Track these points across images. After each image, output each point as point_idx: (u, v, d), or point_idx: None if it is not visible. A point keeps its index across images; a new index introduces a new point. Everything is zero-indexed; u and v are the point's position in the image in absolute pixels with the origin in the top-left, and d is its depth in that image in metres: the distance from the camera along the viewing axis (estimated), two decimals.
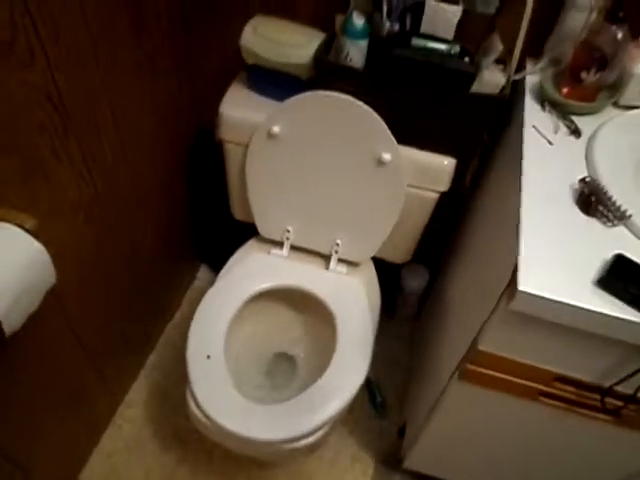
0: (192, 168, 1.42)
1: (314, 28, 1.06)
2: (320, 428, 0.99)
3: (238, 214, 1.30)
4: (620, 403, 0.75)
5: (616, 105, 0.91)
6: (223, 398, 0.99)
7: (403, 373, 1.50)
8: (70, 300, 1.00)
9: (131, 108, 1.06)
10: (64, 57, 0.83)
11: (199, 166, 1.43)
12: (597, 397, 0.76)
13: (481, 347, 0.78)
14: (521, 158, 0.81)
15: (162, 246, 1.39)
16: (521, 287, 0.64)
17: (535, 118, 0.89)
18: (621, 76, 0.88)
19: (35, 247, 0.71)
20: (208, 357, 1.04)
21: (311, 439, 0.99)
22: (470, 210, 1.21)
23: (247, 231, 1.33)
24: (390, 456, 1.32)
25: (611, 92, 0.91)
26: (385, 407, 1.42)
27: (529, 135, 0.85)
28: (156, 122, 1.17)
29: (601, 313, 0.63)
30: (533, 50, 0.99)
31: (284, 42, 1.03)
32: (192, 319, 1.10)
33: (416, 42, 0.91)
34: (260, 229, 1.25)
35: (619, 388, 0.72)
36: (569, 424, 0.86)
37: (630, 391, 0.72)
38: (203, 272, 1.69)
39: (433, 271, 1.49)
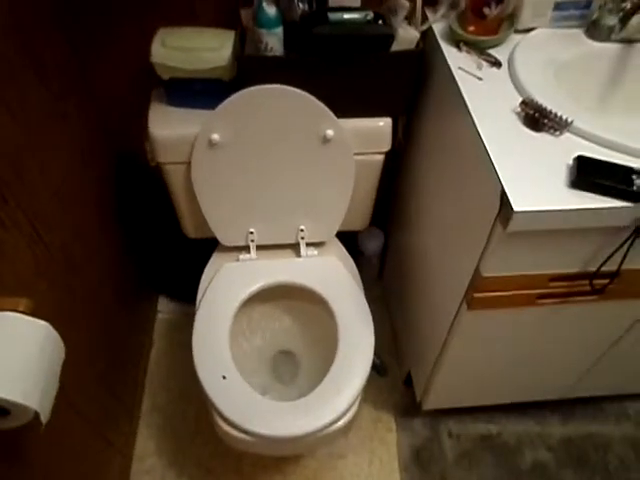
0: (125, 199, 1.35)
1: (221, 29, 1.04)
2: (351, 405, 1.03)
3: (192, 232, 1.27)
4: (606, 281, 0.86)
5: (517, 31, 1.01)
6: (255, 409, 0.99)
7: (387, 330, 1.58)
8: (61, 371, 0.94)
9: (54, 154, 0.99)
10: None
11: (131, 195, 1.37)
12: (586, 282, 0.87)
13: (485, 274, 0.85)
14: (462, 97, 0.88)
15: (120, 289, 1.32)
16: (517, 208, 0.71)
17: (457, 60, 0.96)
18: (516, 4, 0.98)
19: (42, 326, 0.66)
20: (224, 377, 1.03)
21: (346, 419, 1.02)
22: (409, 161, 1.28)
23: (198, 248, 1.30)
24: (406, 406, 1.40)
25: (509, 21, 1.01)
26: (384, 365, 1.49)
27: (459, 76, 0.93)
28: (80, 161, 1.10)
29: (584, 209, 0.72)
30: (427, 0, 1.06)
31: (197, 48, 1.01)
32: (192, 350, 1.06)
33: (333, 17, 0.94)
34: (222, 239, 1.23)
35: (604, 268, 0.83)
36: (564, 315, 0.97)
37: (614, 268, 0.83)
38: (163, 303, 1.63)
39: (385, 230, 1.56)
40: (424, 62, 1.06)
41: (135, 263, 1.46)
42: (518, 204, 0.72)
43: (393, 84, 1.04)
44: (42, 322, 0.67)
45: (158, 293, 1.64)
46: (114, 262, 1.30)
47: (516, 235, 0.77)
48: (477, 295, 0.89)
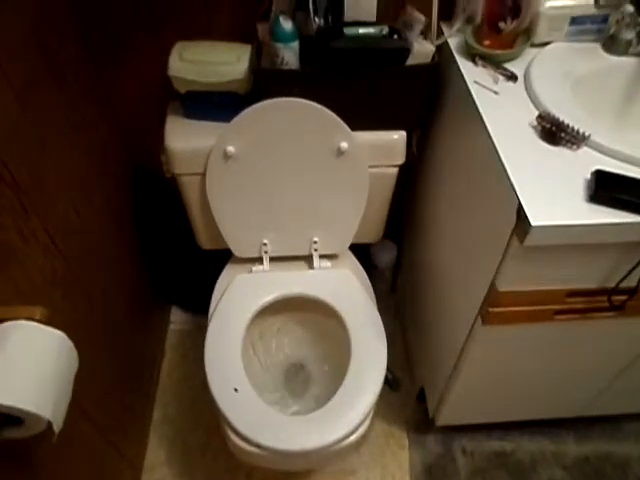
0: (140, 210, 1.37)
1: (237, 42, 1.06)
2: (364, 420, 1.02)
3: (206, 243, 1.28)
4: (624, 297, 0.85)
5: (533, 45, 1.01)
6: (267, 423, 0.98)
7: (399, 344, 1.56)
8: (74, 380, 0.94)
9: (72, 165, 1.00)
10: (3, 134, 0.77)
11: (146, 206, 1.38)
12: (604, 299, 0.86)
13: (501, 289, 0.84)
14: (478, 112, 0.88)
15: (133, 299, 1.33)
16: (534, 223, 0.70)
17: (473, 74, 0.96)
18: (532, 18, 0.98)
19: (57, 336, 0.67)
20: (236, 390, 1.02)
21: (358, 433, 1.01)
22: (423, 175, 1.28)
23: (210, 260, 1.31)
24: (418, 422, 1.38)
25: (525, 35, 1.01)
26: (396, 380, 1.47)
27: (475, 90, 0.93)
28: (96, 172, 1.12)
29: (603, 224, 0.71)
30: (443, 14, 1.06)
31: (214, 62, 1.02)
32: (204, 362, 1.06)
33: (348, 31, 0.94)
34: (235, 251, 1.23)
35: (623, 284, 0.82)
36: (582, 331, 0.95)
37: (633, 284, 0.81)
38: (176, 314, 1.63)
39: (398, 242, 1.55)
40: (439, 76, 1.06)
41: (149, 274, 1.46)
42: (535, 218, 0.71)
43: (408, 98, 1.05)
44: (57, 331, 0.67)
45: (171, 304, 1.64)
46: (129, 272, 1.31)
47: (533, 250, 0.76)
48: (492, 310, 0.88)
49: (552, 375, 1.09)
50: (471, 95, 0.92)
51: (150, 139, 1.24)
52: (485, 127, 0.85)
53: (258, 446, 0.96)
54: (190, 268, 1.50)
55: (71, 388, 0.71)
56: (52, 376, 0.64)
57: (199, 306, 1.53)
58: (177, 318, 1.63)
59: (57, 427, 0.65)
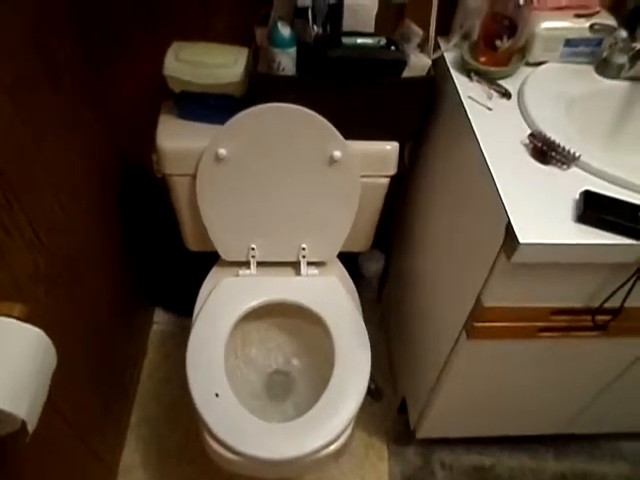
0: (128, 209, 1.35)
1: (234, 45, 1.05)
2: (345, 430, 1.01)
3: (193, 245, 1.27)
4: (608, 317, 0.86)
5: (527, 64, 1.02)
6: (247, 430, 0.97)
7: (383, 354, 1.56)
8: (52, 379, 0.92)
9: (61, 162, 0.99)
10: None
11: (135, 206, 1.37)
12: (588, 318, 0.87)
13: (486, 304, 0.84)
14: (471, 127, 0.89)
15: (117, 298, 1.31)
16: (522, 240, 0.71)
17: (467, 89, 0.97)
18: (528, 38, 0.99)
19: (35, 333, 0.65)
20: (217, 395, 1.01)
21: (338, 443, 1.00)
22: (414, 186, 1.28)
23: (197, 262, 1.29)
24: (399, 433, 1.37)
25: (520, 54, 1.02)
26: (379, 390, 1.47)
27: (469, 105, 0.93)
28: (86, 170, 1.10)
29: (590, 244, 0.72)
30: (440, 29, 1.07)
31: (210, 64, 1.02)
32: (186, 365, 1.05)
33: (346, 41, 0.95)
34: (223, 254, 1.22)
35: (607, 305, 0.83)
36: (565, 349, 0.96)
37: (617, 304, 0.82)
38: (159, 315, 1.62)
39: (386, 252, 1.55)
40: (434, 89, 1.06)
41: (134, 273, 1.45)
42: (524, 236, 0.71)
43: (403, 109, 1.05)
44: (35, 329, 0.66)
45: (155, 304, 1.63)
46: (114, 271, 1.29)
47: (520, 266, 0.76)
48: (477, 324, 0.89)
49: (534, 392, 1.10)
50: (465, 110, 0.93)
51: (143, 138, 1.23)
52: (477, 142, 0.86)
53: (237, 453, 0.95)
54: (176, 269, 1.49)
55: (47, 387, 0.69)
56: (28, 374, 0.63)
57: (183, 307, 1.51)
58: (161, 319, 1.61)
59: (31, 426, 0.63)
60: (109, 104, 1.20)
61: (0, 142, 0.78)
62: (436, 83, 1.06)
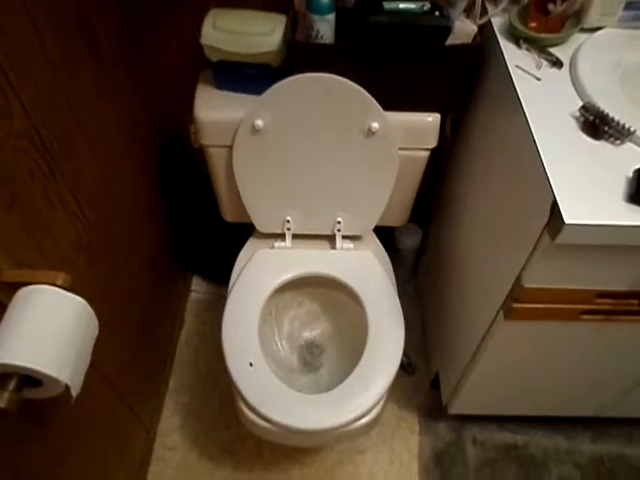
0: (166, 180, 1.37)
1: (272, 12, 1.03)
2: (377, 403, 1.02)
3: (230, 216, 1.27)
4: None
5: (582, 30, 0.95)
6: (279, 399, 0.99)
7: (417, 328, 1.55)
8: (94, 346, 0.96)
9: (101, 133, 1.00)
10: (35, 98, 0.77)
11: (172, 176, 1.38)
12: (635, 302, 0.83)
13: (526, 284, 0.82)
14: (518, 98, 0.84)
15: (156, 267, 1.34)
16: (568, 220, 0.67)
17: (515, 58, 0.92)
18: (584, 1, 0.92)
19: (78, 302, 0.67)
20: (250, 364, 1.03)
21: (370, 416, 1.01)
22: (455, 160, 1.24)
23: (234, 232, 1.30)
24: (431, 408, 1.37)
25: (574, 19, 0.95)
26: (412, 364, 1.47)
27: (516, 75, 0.88)
28: (125, 142, 1.12)
29: None
30: None
31: (248, 32, 0.99)
32: (221, 334, 1.07)
33: (388, 6, 0.90)
34: (258, 226, 1.23)
35: None
36: (608, 332, 0.92)
37: None
38: (197, 283, 1.65)
39: (424, 227, 1.52)
40: (480, 57, 1.01)
41: (173, 242, 1.48)
42: (570, 216, 0.68)
43: (446, 79, 1.01)
44: (78, 298, 0.68)
45: (193, 272, 1.66)
46: (153, 241, 1.32)
47: (564, 247, 0.73)
48: (516, 305, 0.86)
49: (573, 374, 1.07)
50: (512, 80, 0.88)
51: (181, 108, 1.23)
52: (524, 115, 0.81)
53: (269, 421, 0.97)
54: (213, 239, 1.51)
55: (90, 354, 0.72)
56: (71, 342, 0.65)
57: (221, 276, 1.54)
58: (198, 287, 1.65)
59: (75, 391, 0.66)
60: (149, 75, 1.21)
61: (44, 116, 0.79)
62: (482, 51, 1.00)
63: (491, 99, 1.00)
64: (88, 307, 0.69)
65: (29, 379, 0.62)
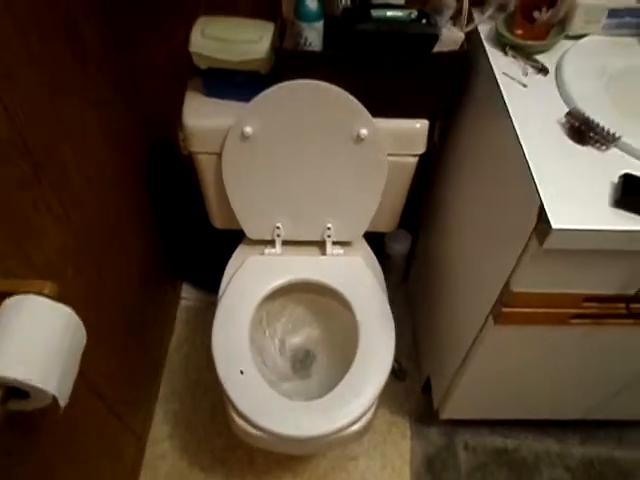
0: (154, 186, 1.36)
1: (261, 20, 1.03)
2: (368, 410, 1.01)
3: (219, 223, 1.27)
4: None
5: (567, 37, 0.97)
6: (271, 407, 0.99)
7: (408, 334, 1.55)
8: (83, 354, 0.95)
9: (87, 139, 0.99)
10: (19, 103, 0.76)
11: (161, 182, 1.37)
12: (622, 305, 0.84)
13: (515, 289, 0.82)
14: (505, 105, 0.85)
15: (144, 274, 1.33)
16: (555, 225, 0.68)
17: (501, 64, 0.93)
18: (568, 9, 0.93)
19: (65, 312, 0.67)
20: (241, 372, 1.02)
21: (362, 423, 1.01)
22: (443, 165, 1.25)
23: (223, 239, 1.30)
24: (423, 413, 1.37)
25: (559, 26, 0.97)
26: (402, 370, 1.47)
27: (503, 82, 0.89)
28: (111, 147, 1.11)
29: (627, 230, 0.69)
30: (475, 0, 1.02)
31: (236, 40, 0.99)
32: (211, 342, 1.06)
33: (375, 14, 0.91)
34: (248, 232, 1.22)
35: None
36: (596, 336, 0.93)
37: None
38: (187, 290, 1.64)
39: (413, 232, 1.53)
40: (467, 64, 1.02)
41: (162, 249, 1.47)
42: (557, 221, 0.68)
43: (434, 86, 1.01)
44: (66, 308, 0.67)
45: (182, 280, 1.65)
46: (141, 248, 1.31)
47: (552, 252, 0.73)
48: (505, 310, 0.87)
49: (561, 377, 1.08)
50: (498, 86, 0.89)
51: (170, 114, 1.23)
52: (511, 121, 0.82)
53: (261, 429, 0.97)
54: (203, 246, 1.50)
55: (78, 364, 0.71)
56: (59, 352, 0.64)
57: (210, 284, 1.53)
58: (188, 294, 1.64)
59: (62, 402, 0.65)
60: (136, 81, 1.20)
61: (28, 121, 0.78)
62: (469, 58, 1.01)
63: (478, 105, 1.01)
64: (75, 316, 0.69)
65: (15, 390, 0.61)
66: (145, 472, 1.30)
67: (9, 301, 0.64)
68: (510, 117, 0.83)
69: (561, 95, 0.87)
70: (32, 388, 0.60)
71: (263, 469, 1.31)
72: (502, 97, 0.86)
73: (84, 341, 0.72)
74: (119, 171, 1.15)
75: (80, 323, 0.70)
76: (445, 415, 1.26)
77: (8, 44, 0.74)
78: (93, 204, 1.02)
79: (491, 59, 0.94)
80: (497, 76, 0.90)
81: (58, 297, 0.68)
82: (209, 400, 1.42)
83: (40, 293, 0.67)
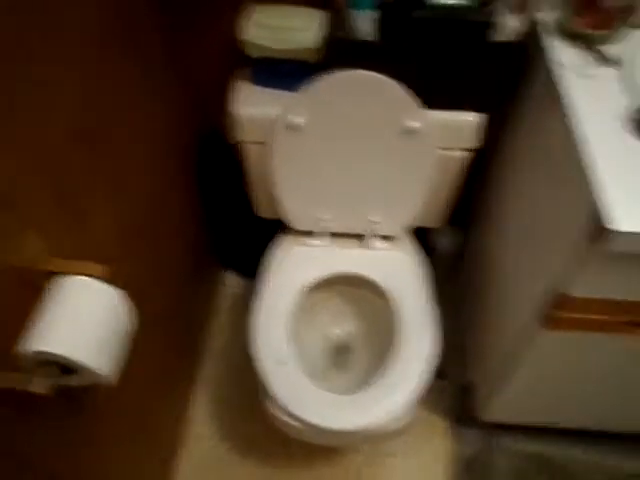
0: (202, 174, 1.38)
1: (313, 8, 1.02)
2: (406, 408, 1.00)
3: (264, 212, 1.28)
4: None
5: (636, 27, 0.91)
6: (308, 398, 0.99)
7: (451, 333, 1.51)
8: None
9: (140, 126, 1.01)
10: (79, 88, 0.78)
11: (208, 171, 1.39)
12: None
13: (570, 293, 0.78)
14: (565, 98, 0.80)
15: (190, 260, 1.36)
16: (615, 228, 0.64)
17: (563, 55, 0.88)
18: None
19: (116, 294, 0.68)
20: (280, 363, 1.03)
21: (400, 420, 1.00)
22: (496, 160, 1.20)
23: (269, 227, 1.30)
24: (463, 414, 1.34)
25: (628, 14, 0.90)
26: (444, 369, 1.43)
27: (564, 74, 0.85)
28: (163, 135, 1.13)
29: None
30: None
31: (287, 28, 0.99)
32: (249, 331, 1.07)
33: (432, 1, 0.88)
34: (292, 222, 1.22)
35: None
36: None
37: None
38: (230, 278, 1.67)
39: (463, 229, 1.49)
40: (526, 54, 0.98)
41: (207, 236, 1.49)
42: (617, 223, 0.64)
43: (490, 76, 0.98)
44: (118, 290, 0.69)
45: (226, 267, 1.68)
46: (188, 234, 1.33)
47: (611, 256, 0.69)
48: (558, 314, 0.83)
49: (613, 388, 1.02)
50: (559, 79, 0.84)
51: (219, 103, 1.24)
52: (571, 115, 0.78)
53: (297, 420, 0.97)
54: (247, 234, 1.51)
55: (126, 345, 0.73)
56: (108, 332, 0.66)
57: (253, 272, 1.54)
58: (231, 281, 1.66)
59: (109, 381, 0.67)
60: (187, 70, 1.21)
61: (87, 106, 0.81)
62: (528, 47, 0.97)
63: (537, 98, 0.97)
64: (125, 298, 0.70)
65: (67, 367, 0.63)
66: (182, 451, 1.33)
67: (63, 281, 0.67)
68: (571, 111, 0.78)
69: (629, 89, 0.82)
70: (81, 366, 0.62)
71: (298, 457, 1.32)
72: (562, 90, 0.82)
73: (135, 323, 0.74)
74: (170, 158, 1.18)
75: (131, 305, 0.72)
76: (486, 418, 1.23)
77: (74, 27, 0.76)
78: (144, 190, 1.04)
79: (552, 49, 0.89)
80: (558, 67, 0.86)
81: (109, 279, 0.70)
82: (248, 386, 1.44)
83: (92, 275, 0.68)
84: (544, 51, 0.91)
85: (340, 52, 0.96)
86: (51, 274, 0.68)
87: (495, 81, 0.98)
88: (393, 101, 0.98)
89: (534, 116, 0.97)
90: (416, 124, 1.00)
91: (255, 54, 1.03)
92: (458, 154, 1.08)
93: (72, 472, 0.84)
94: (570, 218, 0.77)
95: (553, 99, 0.85)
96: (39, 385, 0.60)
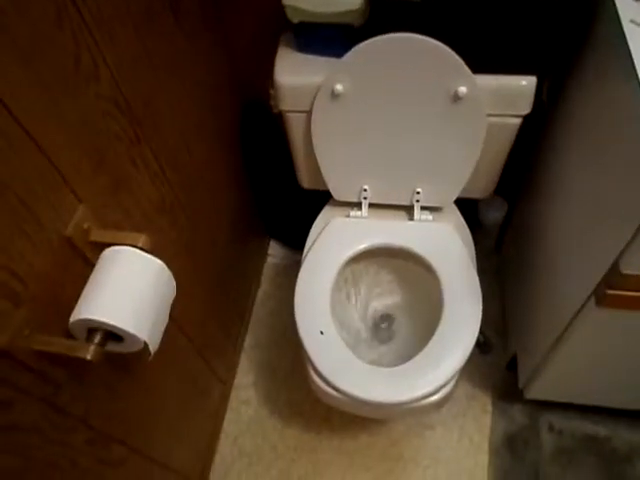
0: (246, 144, 1.38)
1: None
2: (448, 382, 0.99)
3: (307, 183, 1.26)
4: None
5: None
6: (349, 370, 0.99)
7: (497, 306, 1.48)
8: (175, 303, 1.01)
9: (182, 95, 1.02)
10: (121, 61, 0.79)
11: (252, 141, 1.39)
12: None
13: (625, 271, 0.74)
14: (632, 60, 0.74)
15: (234, 228, 1.38)
16: None
17: (630, 10, 0.80)
18: None
19: (157, 264, 0.70)
20: (321, 333, 1.03)
21: (441, 394, 0.99)
22: (551, 128, 1.13)
23: (313, 199, 1.29)
24: (506, 389, 1.32)
25: None
26: (488, 343, 1.41)
27: (630, 31, 0.77)
28: (205, 104, 1.13)
29: None
30: None
31: None
32: (294, 301, 1.08)
33: None
34: (335, 194, 1.21)
35: None
36: None
37: None
38: (274, 248, 1.68)
39: (508, 199, 1.43)
40: (586, 10, 0.90)
41: (251, 206, 1.50)
42: None
43: (544, 35, 0.91)
44: (158, 260, 0.70)
45: (271, 237, 1.69)
46: (233, 204, 1.35)
47: None
48: (611, 292, 0.78)
49: None
50: (624, 38, 0.77)
51: (262, 72, 1.22)
52: (637, 79, 0.71)
53: (338, 390, 0.98)
54: (291, 205, 1.51)
55: (168, 313, 0.75)
56: (151, 301, 0.68)
57: (297, 242, 1.55)
58: (275, 251, 1.67)
59: (153, 348, 0.69)
60: (229, 39, 1.20)
61: (127, 77, 0.81)
62: (589, 2, 0.89)
63: (598, 60, 0.89)
64: (166, 268, 0.72)
65: (113, 334, 0.66)
66: (229, 414, 1.38)
67: (108, 252, 0.69)
68: (637, 74, 0.72)
69: None
70: (126, 333, 0.64)
71: (339, 425, 1.34)
72: (628, 50, 0.75)
73: (174, 292, 0.76)
74: (213, 128, 1.18)
75: (171, 275, 0.73)
76: (531, 395, 1.20)
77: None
78: (187, 160, 1.05)
79: (616, 3, 0.81)
80: (624, 24, 0.78)
81: (152, 249, 0.72)
82: (291, 354, 1.47)
83: (135, 245, 0.70)
84: (609, 4, 0.83)
85: (384, 15, 0.92)
86: (98, 245, 0.70)
87: (551, 39, 0.91)
88: (440, 65, 0.94)
89: (596, 79, 0.90)
90: (465, 89, 0.95)
91: (297, 19, 1.00)
92: (509, 121, 1.03)
93: (123, 428, 0.89)
94: (630, 190, 0.72)
95: (619, 61, 0.78)
96: (88, 351, 0.63)
